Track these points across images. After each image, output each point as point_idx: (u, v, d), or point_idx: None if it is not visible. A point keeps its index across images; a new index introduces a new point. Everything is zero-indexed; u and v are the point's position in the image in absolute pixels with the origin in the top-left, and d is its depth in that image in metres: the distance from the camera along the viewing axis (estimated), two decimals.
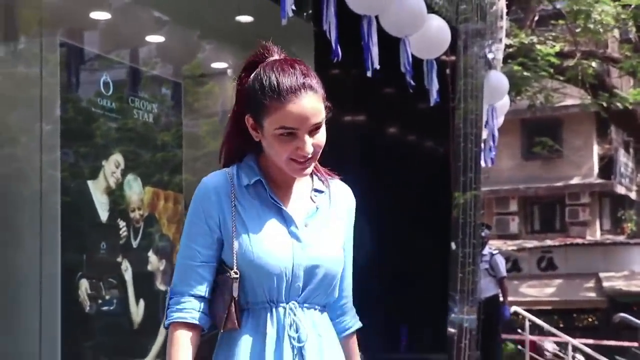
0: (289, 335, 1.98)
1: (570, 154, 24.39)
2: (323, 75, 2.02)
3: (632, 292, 20.70)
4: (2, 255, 5.12)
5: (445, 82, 6.89)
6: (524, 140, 24.23)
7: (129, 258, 5.61)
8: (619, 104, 14.91)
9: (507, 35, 10.64)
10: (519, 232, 24.76)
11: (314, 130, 1.96)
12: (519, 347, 13.94)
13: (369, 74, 5.42)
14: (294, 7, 4.64)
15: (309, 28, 6.61)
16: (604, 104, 14.99)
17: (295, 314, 1.99)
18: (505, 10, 9.03)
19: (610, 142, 25.36)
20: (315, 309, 2.04)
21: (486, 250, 8.98)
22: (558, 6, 13.78)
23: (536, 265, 22.96)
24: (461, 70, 7.42)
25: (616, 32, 15.19)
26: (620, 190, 25.39)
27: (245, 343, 1.98)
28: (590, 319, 22.00)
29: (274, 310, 1.99)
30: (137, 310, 5.66)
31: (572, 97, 17.93)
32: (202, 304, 2.01)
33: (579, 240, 23.69)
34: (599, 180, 24.67)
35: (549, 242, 23.62)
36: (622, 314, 9.21)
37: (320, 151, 2.00)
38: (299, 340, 1.98)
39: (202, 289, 2.01)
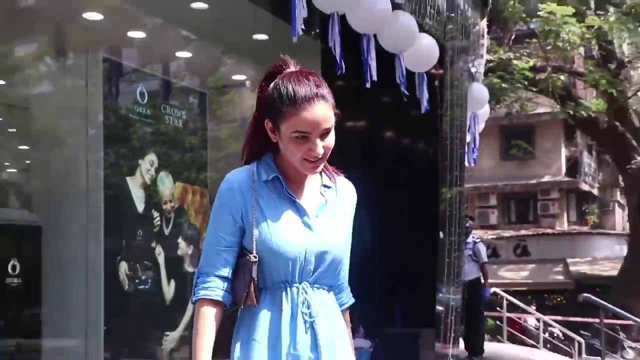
0: (301, 311, 1.97)
1: (542, 155, 24.35)
2: (328, 86, 2.01)
3: (595, 276, 20.66)
4: (54, 242, 5.13)
5: (434, 92, 6.86)
6: (502, 143, 24.17)
7: (162, 244, 5.61)
8: (583, 113, 14.87)
9: (488, 52, 10.60)
10: (498, 223, 24.71)
11: (324, 134, 1.95)
12: (498, 322, 13.92)
13: (368, 85, 5.40)
14: (303, 27, 4.62)
15: (317, 45, 6.59)
16: (571, 112, 14.94)
17: (307, 293, 1.98)
18: (486, 30, 9.00)
19: (576, 145, 25.32)
20: (324, 289, 2.03)
21: (470, 239, 8.94)
22: (532, 26, 13.73)
23: (512, 252, 22.94)
24: (448, 82, 7.39)
25: (581, 50, 15.15)
26: (585, 187, 25.36)
27: (263, 318, 1.98)
28: (558, 299, 21.97)
29: (288, 289, 1.98)
30: (169, 289, 5.66)
31: (544, 106, 17.87)
32: (226, 283, 2.00)
33: (549, 231, 23.68)
34: (566, 179, 24.63)
35: (523, 232, 23.60)
36: (585, 294, 9.17)
37: (329, 152, 1.99)
38: (310, 316, 1.97)
39: (226, 271, 2.00)
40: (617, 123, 15.92)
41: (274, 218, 1.98)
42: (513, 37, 14.80)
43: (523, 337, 13.79)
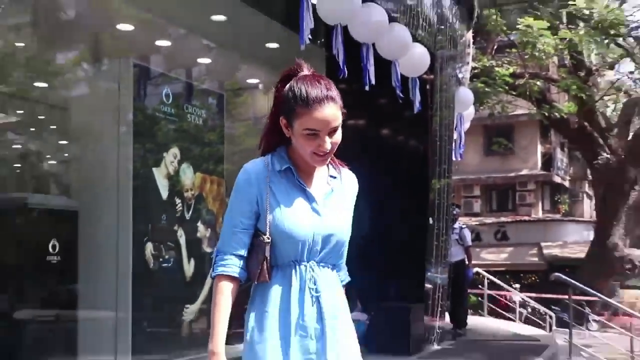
0: (309, 287, 1.96)
1: (520, 151, 24.33)
2: None
3: (565, 258, 20.67)
4: (88, 226, 5.13)
5: (425, 95, 6.85)
6: (485, 140, 24.15)
7: (183, 227, 5.62)
8: (556, 114, 14.93)
9: (473, 60, 10.58)
10: (481, 211, 24.71)
11: (332, 131, 1.94)
12: (480, 298, 13.93)
13: (367, 88, 5.39)
14: (310, 37, 4.62)
15: (322, 52, 6.58)
16: (546, 114, 14.99)
17: (314, 271, 1.98)
18: (471, 41, 8.98)
19: (550, 142, 25.29)
20: (328, 267, 2.03)
21: (457, 225, 8.92)
22: (512, 38, 13.70)
23: (493, 237, 22.94)
24: (438, 86, 7.38)
25: (555, 59, 15.14)
26: (557, 179, 25.36)
27: (274, 292, 1.97)
28: (533, 278, 21.95)
29: (297, 267, 1.97)
30: (189, 267, 5.67)
31: (522, 108, 17.88)
32: (241, 261, 1.99)
33: (526, 218, 23.68)
34: (541, 172, 24.62)
35: (503, 219, 23.59)
36: (557, 274, 9.14)
37: (336, 147, 1.98)
38: (316, 291, 1.97)
39: (242, 250, 1.99)
40: (586, 123, 15.97)
41: (286, 204, 1.97)
42: (495, 47, 14.79)
43: (501, 311, 13.82)
